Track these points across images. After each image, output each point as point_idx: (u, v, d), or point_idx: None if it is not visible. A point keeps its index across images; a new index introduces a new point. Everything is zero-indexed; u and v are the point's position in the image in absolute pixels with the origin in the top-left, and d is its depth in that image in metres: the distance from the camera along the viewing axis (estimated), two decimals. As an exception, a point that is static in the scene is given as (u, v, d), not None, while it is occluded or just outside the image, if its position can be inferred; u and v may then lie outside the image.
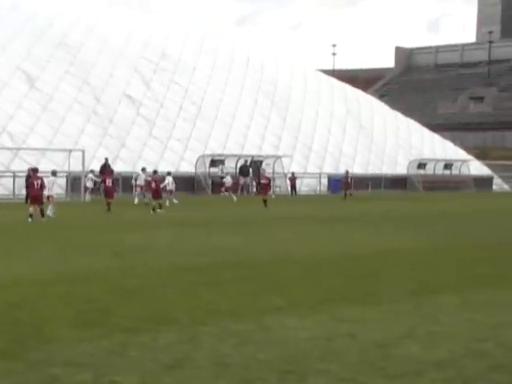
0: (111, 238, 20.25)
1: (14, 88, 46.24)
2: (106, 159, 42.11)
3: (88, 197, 39.64)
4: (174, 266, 14.80)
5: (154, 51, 56.43)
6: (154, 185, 31.45)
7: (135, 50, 55.35)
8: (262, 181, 38.62)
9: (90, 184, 39.83)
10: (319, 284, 12.86)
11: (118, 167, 43.97)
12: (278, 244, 19.43)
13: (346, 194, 46.71)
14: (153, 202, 30.96)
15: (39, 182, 25.49)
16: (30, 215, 24.79)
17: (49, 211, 26.58)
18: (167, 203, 34.93)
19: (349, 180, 49.13)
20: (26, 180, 37.09)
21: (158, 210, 30.34)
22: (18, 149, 42.57)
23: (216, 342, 8.68)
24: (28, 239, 19.80)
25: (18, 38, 49.81)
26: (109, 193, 31.23)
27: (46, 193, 25.97)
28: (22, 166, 40.85)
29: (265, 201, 35.68)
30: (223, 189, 45.80)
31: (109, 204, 30.56)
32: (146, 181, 36.28)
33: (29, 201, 26.85)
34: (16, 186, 39.56)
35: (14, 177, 39.63)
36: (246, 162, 51.32)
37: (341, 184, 49.88)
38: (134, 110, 50.76)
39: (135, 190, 38.40)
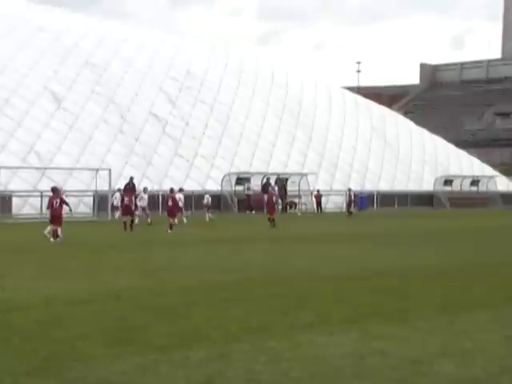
0: (138, 257, 20.36)
1: (41, 108, 46.75)
2: (131, 178, 42.34)
3: (116, 215, 39.81)
4: (203, 284, 14.84)
5: (179, 70, 56.84)
6: (170, 203, 31.39)
7: (160, 68, 55.78)
8: (266, 198, 37.38)
9: (116, 202, 40.01)
10: (349, 300, 12.82)
11: (143, 186, 44.15)
12: (306, 261, 19.43)
13: (349, 212, 46.89)
14: (171, 220, 30.73)
15: (58, 201, 25.10)
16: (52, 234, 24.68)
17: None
18: (184, 220, 35.24)
19: (352, 198, 49.23)
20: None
21: (169, 231, 29.83)
22: (46, 168, 42.97)
23: (247, 359, 8.68)
24: (57, 258, 19.94)
25: (44, 58, 50.40)
26: (124, 211, 31.08)
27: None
28: (49, 185, 41.10)
29: (270, 220, 33.09)
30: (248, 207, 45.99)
31: (125, 223, 30.26)
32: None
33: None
34: (43, 205, 39.81)
35: (42, 196, 39.96)
36: (268, 179, 51.37)
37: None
38: (160, 128, 51.09)
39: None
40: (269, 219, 33.42)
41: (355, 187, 57.77)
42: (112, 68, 52.91)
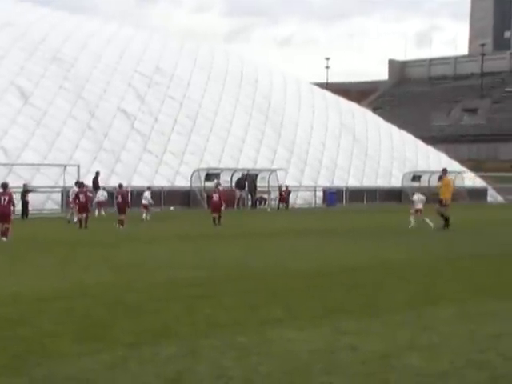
0: (106, 253, 20.26)
1: (7, 103, 46.32)
2: (97, 173, 42.33)
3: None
4: (172, 280, 14.81)
5: (148, 65, 56.63)
6: (120, 199, 31.23)
7: (129, 64, 55.54)
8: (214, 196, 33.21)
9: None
10: (319, 296, 12.88)
11: (113, 182, 44.00)
12: (275, 257, 19.46)
13: (278, 207, 49.39)
14: (121, 217, 30.44)
15: (7, 198, 23.92)
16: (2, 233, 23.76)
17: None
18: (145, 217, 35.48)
19: (283, 193, 50.95)
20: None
21: (121, 226, 29.77)
22: (13, 164, 42.57)
23: (217, 355, 8.68)
24: (23, 255, 19.77)
25: (11, 53, 49.92)
26: (80, 208, 30.46)
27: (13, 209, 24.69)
28: (17, 181, 40.81)
29: (215, 218, 31.80)
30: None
31: (80, 220, 30.00)
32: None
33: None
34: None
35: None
36: (242, 175, 51.45)
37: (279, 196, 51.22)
38: (129, 124, 50.88)
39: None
40: (214, 219, 32.00)
41: (324, 183, 57.98)
42: (80, 63, 52.56)
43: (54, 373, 7.93)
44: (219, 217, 31.96)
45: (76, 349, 8.89)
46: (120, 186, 32.98)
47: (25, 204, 37.69)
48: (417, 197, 32.08)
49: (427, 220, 30.28)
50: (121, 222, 29.98)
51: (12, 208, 24.54)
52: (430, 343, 9.33)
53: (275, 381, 7.73)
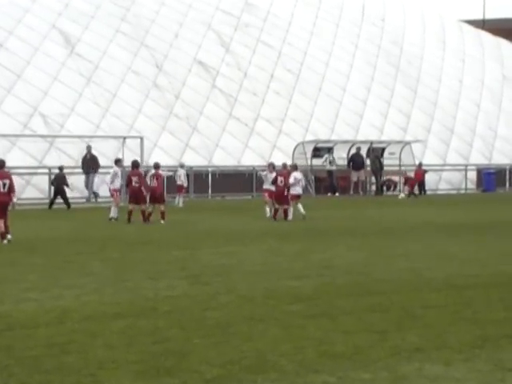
0: (182, 256, 20.51)
1: (46, 54, 47.18)
2: (89, 147, 41.87)
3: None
4: (268, 293, 14.88)
5: (235, 1, 56.82)
6: (155, 182, 31.47)
7: (209, -1, 55.83)
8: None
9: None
10: (471, 317, 12.75)
11: (187, 158, 44.50)
12: (408, 262, 19.39)
13: (410, 194, 48.23)
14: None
15: (7, 182, 23.81)
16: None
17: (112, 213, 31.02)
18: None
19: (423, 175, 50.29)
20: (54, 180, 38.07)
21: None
22: (55, 136, 43.44)
23: (332, 397, 8.72)
24: (68, 258, 20.20)
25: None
26: (133, 196, 30.86)
27: (14, 199, 24.55)
28: (60, 159, 41.70)
29: (277, 212, 31.62)
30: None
31: (129, 212, 30.42)
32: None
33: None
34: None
35: (50, 174, 40.38)
36: (358, 149, 51.11)
37: (407, 180, 50.53)
38: (209, 81, 51.22)
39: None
40: (275, 210, 31.92)
41: (479, 160, 57.15)
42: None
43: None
44: (285, 210, 31.39)
45: (140, 385, 9.06)
46: (156, 165, 32.34)
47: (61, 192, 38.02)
48: None
49: None
50: (162, 215, 30.42)
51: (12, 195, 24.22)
52: None
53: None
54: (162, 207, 30.61)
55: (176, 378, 9.32)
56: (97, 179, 41.45)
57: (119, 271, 17.80)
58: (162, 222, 30.17)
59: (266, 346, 10.74)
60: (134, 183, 30.65)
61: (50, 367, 9.71)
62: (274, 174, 32.37)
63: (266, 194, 32.61)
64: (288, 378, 9.31)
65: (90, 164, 41.16)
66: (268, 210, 32.27)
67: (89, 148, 41.77)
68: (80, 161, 41.59)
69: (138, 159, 35.53)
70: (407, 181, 49.84)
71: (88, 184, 41.13)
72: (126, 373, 9.47)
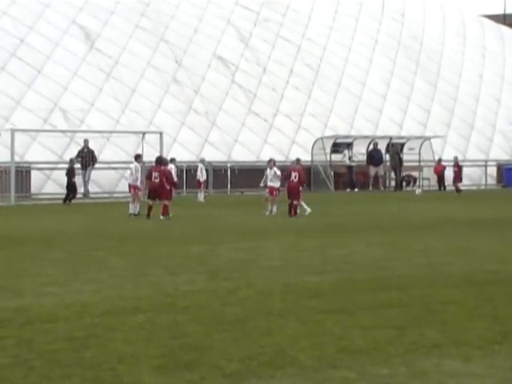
0: (201, 251, 20.55)
1: (66, 49, 47.31)
2: (86, 141, 41.93)
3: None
4: (288, 288, 14.90)
5: (253, -4, 56.74)
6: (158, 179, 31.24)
7: (228, -6, 55.81)
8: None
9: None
10: (491, 312, 12.71)
11: (206, 155, 44.50)
12: (428, 257, 19.36)
13: (457, 190, 47.91)
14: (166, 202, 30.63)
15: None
16: None
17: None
18: None
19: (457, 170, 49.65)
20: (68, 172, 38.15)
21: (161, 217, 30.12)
22: (75, 131, 43.56)
23: (351, 393, 8.72)
24: (89, 253, 20.28)
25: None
26: (152, 192, 30.86)
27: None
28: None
29: (293, 207, 31.29)
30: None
31: (150, 207, 30.42)
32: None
33: None
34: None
35: (70, 169, 40.48)
36: (375, 145, 51.03)
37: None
38: (228, 76, 51.23)
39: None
40: (289, 206, 31.57)
41: (499, 155, 56.97)
42: (162, -6, 53.21)
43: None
44: (294, 206, 31.14)
45: (159, 380, 9.06)
46: (159, 161, 32.14)
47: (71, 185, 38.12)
48: None
49: None
50: (162, 210, 30.15)
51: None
52: None
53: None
54: (166, 202, 30.17)
55: (195, 372, 9.35)
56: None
57: (139, 266, 17.86)
58: (162, 217, 29.78)
59: (285, 341, 10.75)
60: (153, 179, 30.72)
61: (69, 361, 9.76)
62: (273, 170, 32.26)
63: (267, 191, 32.31)
64: (306, 374, 9.33)
65: (87, 158, 41.28)
66: (269, 207, 32.07)
67: (86, 142, 41.92)
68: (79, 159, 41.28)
69: (161, 155, 35.51)
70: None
71: (84, 179, 41.09)
72: (146, 367, 9.51)
